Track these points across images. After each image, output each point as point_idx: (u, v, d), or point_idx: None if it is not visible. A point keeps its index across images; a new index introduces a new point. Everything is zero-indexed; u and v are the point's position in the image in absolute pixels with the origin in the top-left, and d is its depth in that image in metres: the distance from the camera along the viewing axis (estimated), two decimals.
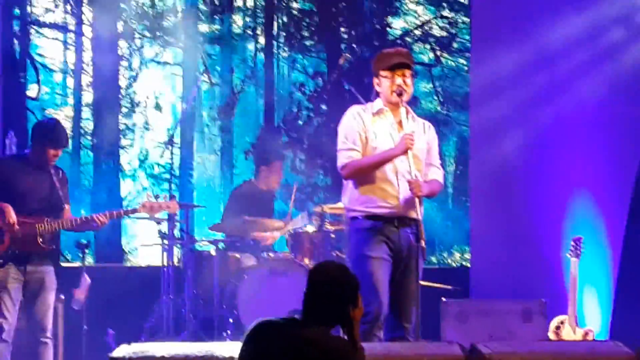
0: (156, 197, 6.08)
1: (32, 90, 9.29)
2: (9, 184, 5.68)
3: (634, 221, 6.92)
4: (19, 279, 5.68)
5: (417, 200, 4.92)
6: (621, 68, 7.04)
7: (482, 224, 7.64)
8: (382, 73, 5.13)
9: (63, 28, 12.91)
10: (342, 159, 5.08)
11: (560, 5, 7.22)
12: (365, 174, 5.06)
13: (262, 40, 13.73)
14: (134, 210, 6.00)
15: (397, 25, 13.53)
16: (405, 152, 4.94)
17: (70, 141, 6.09)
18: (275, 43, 13.58)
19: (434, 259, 13.58)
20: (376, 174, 5.05)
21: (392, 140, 5.06)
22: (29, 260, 5.69)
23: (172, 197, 6.27)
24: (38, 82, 11.26)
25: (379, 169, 5.04)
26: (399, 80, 5.06)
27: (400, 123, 5.09)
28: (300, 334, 3.49)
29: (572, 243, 6.61)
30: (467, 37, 13.87)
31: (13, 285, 5.66)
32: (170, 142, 6.89)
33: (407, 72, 5.11)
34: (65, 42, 13.37)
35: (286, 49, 13.48)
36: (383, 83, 5.12)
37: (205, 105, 13.87)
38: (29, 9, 12.38)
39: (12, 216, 5.58)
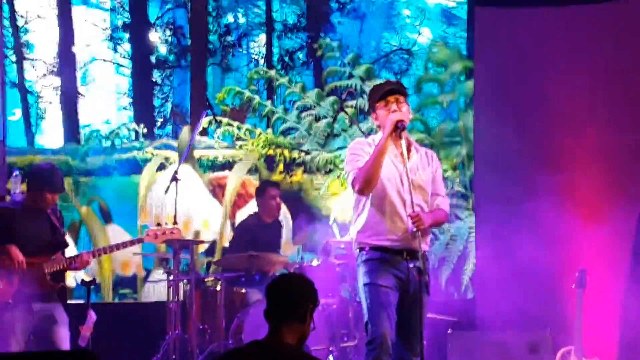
0: (158, 224, 6.07)
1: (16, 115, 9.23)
2: (10, 231, 5.63)
3: (638, 252, 6.97)
4: (27, 319, 5.63)
5: (420, 233, 4.93)
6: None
7: (487, 255, 7.63)
8: (378, 105, 5.14)
9: None
10: (350, 176, 5.06)
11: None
12: (372, 176, 4.94)
13: None
14: (140, 240, 6.00)
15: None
16: (394, 125, 4.94)
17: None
18: None
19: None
20: (385, 207, 5.02)
21: (397, 171, 5.06)
22: (35, 299, 5.64)
23: (174, 223, 6.21)
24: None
25: (381, 164, 4.95)
26: (394, 107, 5.05)
27: (402, 154, 5.07)
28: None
29: (577, 274, 6.66)
30: None
31: (19, 326, 5.60)
32: (174, 178, 6.81)
33: (401, 98, 5.11)
34: None
35: None
36: (380, 115, 5.12)
37: None
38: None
39: (19, 255, 5.56)
